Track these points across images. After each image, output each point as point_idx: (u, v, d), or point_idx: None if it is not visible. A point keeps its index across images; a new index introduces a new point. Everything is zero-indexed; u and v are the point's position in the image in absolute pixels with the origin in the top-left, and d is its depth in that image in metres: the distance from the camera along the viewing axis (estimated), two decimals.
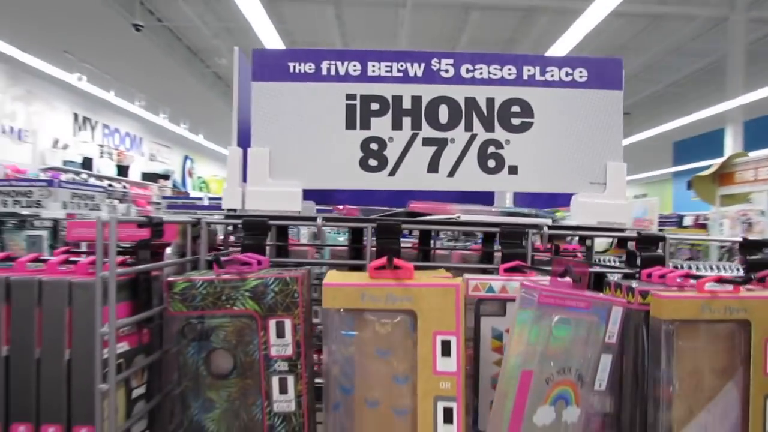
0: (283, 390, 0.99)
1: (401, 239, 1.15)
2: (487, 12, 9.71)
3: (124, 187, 10.81)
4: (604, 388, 0.97)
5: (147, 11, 10.34)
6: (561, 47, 7.77)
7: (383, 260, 0.96)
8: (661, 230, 8.56)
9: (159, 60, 11.45)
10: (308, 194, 1.47)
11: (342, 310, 0.94)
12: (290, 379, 0.98)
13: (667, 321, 0.97)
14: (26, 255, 1.04)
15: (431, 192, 1.31)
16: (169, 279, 0.99)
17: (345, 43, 11.11)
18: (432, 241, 1.90)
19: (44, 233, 3.53)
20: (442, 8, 9.80)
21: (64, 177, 8.43)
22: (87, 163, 9.97)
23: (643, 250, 1.22)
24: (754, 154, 5.48)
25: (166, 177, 12.96)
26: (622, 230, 1.26)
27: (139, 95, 10.30)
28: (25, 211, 3.71)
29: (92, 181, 9.32)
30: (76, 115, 10.20)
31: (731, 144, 9.96)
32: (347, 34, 10.97)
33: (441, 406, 0.90)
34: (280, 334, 0.98)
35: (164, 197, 9.88)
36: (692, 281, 1.05)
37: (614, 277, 1.24)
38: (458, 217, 1.22)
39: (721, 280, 1.01)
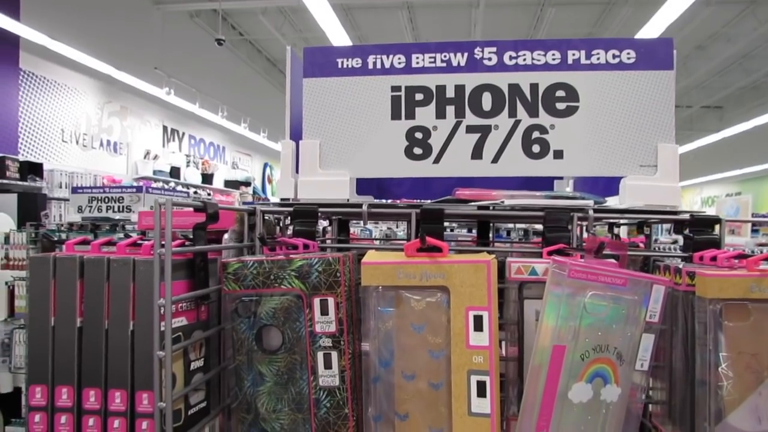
0: (327, 365, 1.04)
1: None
2: (564, 7, 9.48)
3: (208, 194, 11.35)
4: (646, 369, 0.95)
5: (229, 26, 10.88)
6: None
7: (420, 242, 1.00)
8: (755, 230, 8.02)
9: (240, 72, 11.99)
10: (367, 190, 1.53)
11: (380, 287, 0.98)
12: (334, 355, 1.04)
13: (713, 300, 0.94)
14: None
15: (493, 179, 1.33)
16: (224, 260, 1.07)
17: None
18: (491, 233, 1.91)
19: (134, 235, 3.80)
20: (516, 6, 9.66)
21: (154, 185, 8.98)
22: (175, 173, 10.53)
23: (697, 233, 1.18)
24: None
25: (247, 184, 13.46)
26: (674, 213, 1.23)
27: (222, 106, 10.81)
28: (117, 216, 4.00)
29: (179, 188, 9.85)
30: (165, 128, 10.83)
31: None
32: (420, 37, 11.05)
33: (474, 379, 0.92)
34: (324, 311, 1.03)
35: (245, 203, 10.30)
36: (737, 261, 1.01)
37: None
38: (502, 202, 1.22)
39: None
